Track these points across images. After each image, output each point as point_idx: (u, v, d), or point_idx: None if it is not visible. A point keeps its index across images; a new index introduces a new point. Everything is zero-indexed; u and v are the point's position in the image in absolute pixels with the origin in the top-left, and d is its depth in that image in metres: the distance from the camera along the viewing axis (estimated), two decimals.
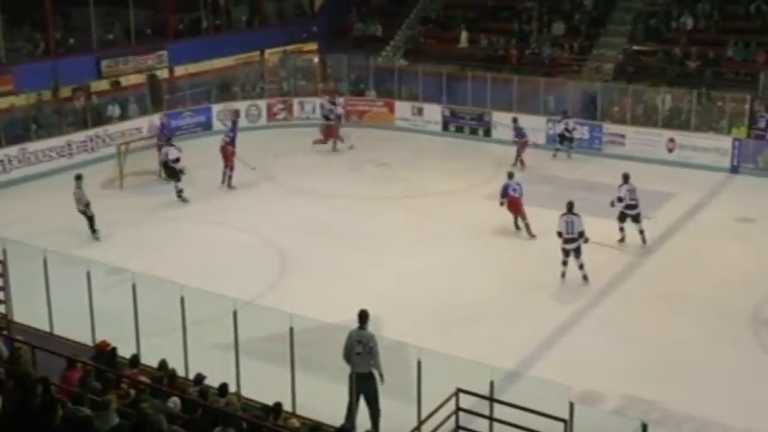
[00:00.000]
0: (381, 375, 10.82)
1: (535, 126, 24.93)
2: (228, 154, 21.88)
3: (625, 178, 17.80)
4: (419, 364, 10.12)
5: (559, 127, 24.15)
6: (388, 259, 17.13)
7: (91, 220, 18.23)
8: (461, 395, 9.83)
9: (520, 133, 23.26)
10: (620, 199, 17.42)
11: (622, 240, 17.72)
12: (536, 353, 13.33)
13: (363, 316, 11.02)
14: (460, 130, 26.71)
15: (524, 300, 15.25)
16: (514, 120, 23.63)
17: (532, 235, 18.20)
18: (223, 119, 26.23)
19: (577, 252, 15.99)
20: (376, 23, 31.72)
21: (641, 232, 17.54)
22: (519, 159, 23.00)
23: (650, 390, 12.22)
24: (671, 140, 23.12)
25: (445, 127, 26.83)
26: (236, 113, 26.05)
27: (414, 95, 27.55)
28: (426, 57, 29.14)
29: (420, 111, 27.18)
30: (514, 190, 18.49)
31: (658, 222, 18.87)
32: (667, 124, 23.89)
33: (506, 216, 19.55)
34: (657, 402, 11.95)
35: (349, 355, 10.85)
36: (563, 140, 24.13)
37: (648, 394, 12.11)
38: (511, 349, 13.15)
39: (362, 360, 10.79)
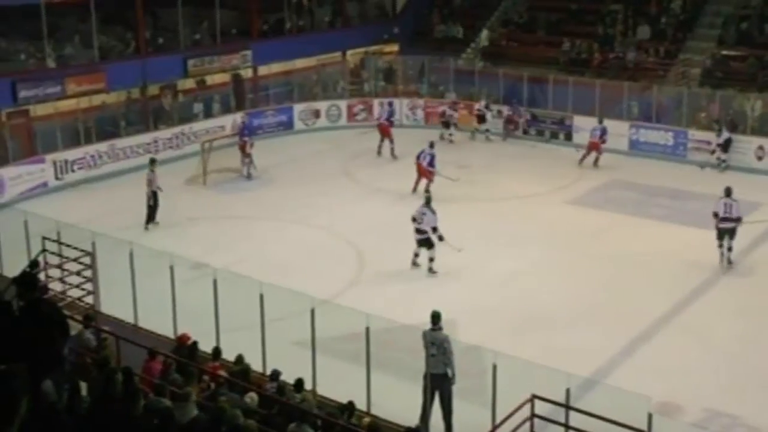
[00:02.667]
0: (454, 375, 10.83)
1: (618, 131, 24.52)
2: (386, 129, 24.07)
3: (727, 192, 16.88)
4: (494, 368, 10.07)
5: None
6: (465, 261, 17.03)
7: (151, 209, 18.79)
8: (536, 402, 9.75)
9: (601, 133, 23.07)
10: (715, 214, 16.71)
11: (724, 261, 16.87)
12: (615, 361, 13.11)
13: (435, 317, 11.03)
14: (540, 133, 26.44)
15: (603, 306, 14.99)
16: (600, 121, 23.52)
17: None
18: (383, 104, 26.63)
19: (732, 233, 16.28)
20: (457, 25, 31.63)
21: (729, 249, 16.82)
22: (589, 158, 22.88)
23: (733, 404, 11.89)
24: (760, 148, 22.42)
25: (526, 130, 26.58)
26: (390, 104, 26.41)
27: (495, 98, 27.36)
28: (507, 59, 28.93)
29: (500, 113, 26.97)
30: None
31: (745, 232, 18.36)
32: (757, 132, 23.16)
33: (587, 221, 19.33)
34: (739, 417, 11.62)
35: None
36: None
37: (730, 408, 11.78)
38: (588, 356, 12.96)
39: (437, 361, 10.80)
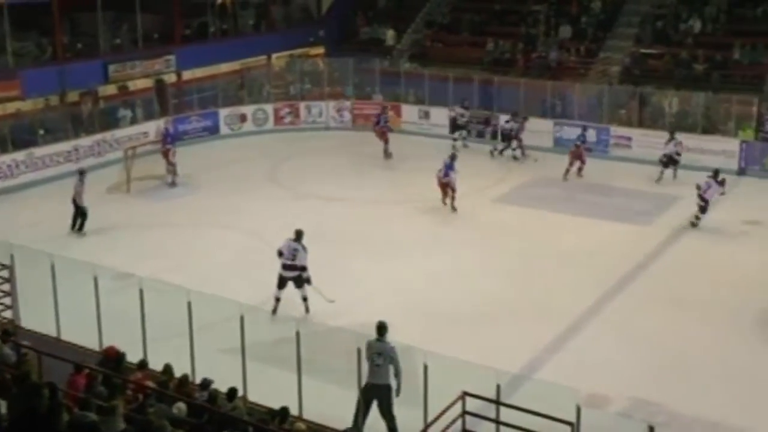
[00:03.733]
0: (399, 385, 10.60)
1: (543, 129, 24.99)
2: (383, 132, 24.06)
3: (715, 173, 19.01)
4: (425, 367, 10.11)
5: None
6: (394, 263, 17.11)
7: (80, 217, 18.53)
8: (468, 399, 9.83)
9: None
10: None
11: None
12: (543, 356, 13.29)
13: (381, 328, 10.80)
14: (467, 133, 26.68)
15: (531, 302, 15.22)
16: (584, 128, 23.41)
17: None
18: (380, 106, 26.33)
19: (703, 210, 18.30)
20: (383, 27, 31.74)
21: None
22: (573, 168, 22.62)
23: (657, 392, 12.18)
24: (679, 143, 23.01)
25: (452, 130, 26.79)
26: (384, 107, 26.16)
27: (421, 99, 27.54)
28: (432, 60, 29.15)
29: (427, 114, 27.17)
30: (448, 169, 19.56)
31: (661, 227, 18.90)
32: (675, 127, 23.79)
33: (514, 218, 19.59)
34: (664, 404, 11.90)
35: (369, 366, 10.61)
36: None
37: (655, 397, 12.06)
38: (517, 352, 13.12)
39: (382, 371, 10.62)
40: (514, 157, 24.36)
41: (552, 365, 12.95)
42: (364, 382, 10.70)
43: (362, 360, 10.63)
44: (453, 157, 20.34)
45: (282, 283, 14.62)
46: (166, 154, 22.29)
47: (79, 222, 18.68)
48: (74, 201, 18.73)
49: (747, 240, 18.19)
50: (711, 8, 27.12)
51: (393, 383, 10.67)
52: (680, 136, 22.71)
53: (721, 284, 15.84)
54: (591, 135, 23.89)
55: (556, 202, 20.69)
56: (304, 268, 14.59)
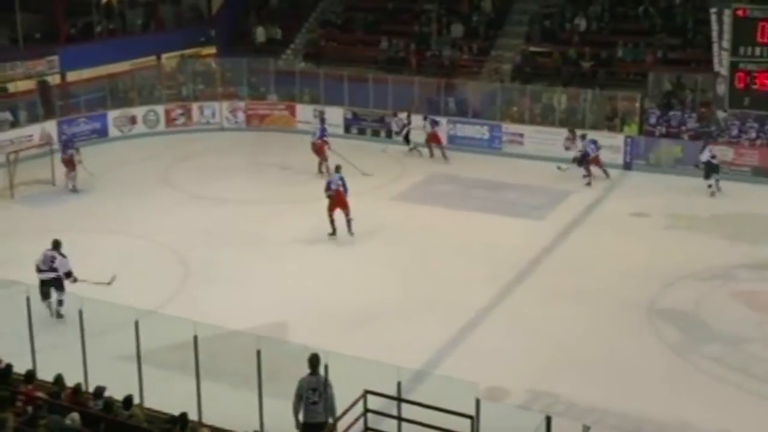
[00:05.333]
0: (334, 425, 9.94)
1: (439, 127, 25.28)
2: (321, 148, 22.61)
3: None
4: (326, 367, 10.07)
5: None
6: (290, 263, 17.02)
7: None
8: (369, 397, 9.84)
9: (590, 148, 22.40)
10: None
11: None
12: (442, 352, 13.45)
13: (314, 361, 10.02)
14: (362, 132, 26.77)
15: (429, 298, 15.36)
16: (583, 136, 22.74)
17: (351, 233, 18.08)
18: (315, 119, 25.27)
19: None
20: (275, 26, 31.49)
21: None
22: (604, 171, 22.45)
23: (553, 383, 12.51)
24: (567, 138, 23.69)
25: (347, 129, 26.84)
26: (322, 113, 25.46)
27: (315, 98, 27.46)
28: (326, 60, 29.12)
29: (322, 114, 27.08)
30: (337, 184, 18.11)
31: (554, 221, 19.44)
32: (564, 123, 24.48)
33: (412, 216, 19.77)
34: (560, 395, 12.23)
35: (298, 405, 10.01)
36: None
37: (551, 388, 12.39)
38: (417, 349, 13.23)
39: (318, 408, 9.98)
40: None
41: (451, 360, 13.13)
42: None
43: (263, 362, 10.48)
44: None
45: (45, 293, 14.27)
46: (68, 162, 21.47)
47: None
48: None
49: (634, 232, 18.86)
50: (595, 7, 28.01)
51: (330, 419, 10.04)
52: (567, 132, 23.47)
53: (611, 276, 16.35)
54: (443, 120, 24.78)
55: (452, 199, 20.98)
56: (69, 274, 14.42)
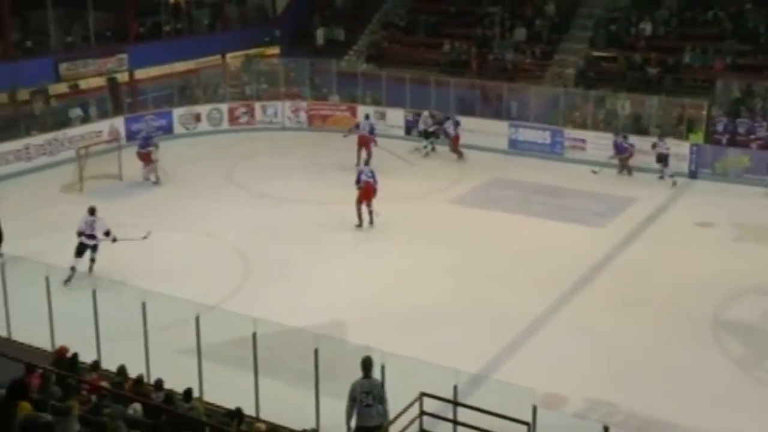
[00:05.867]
0: (389, 425, 9.86)
1: (498, 131, 25.17)
2: (368, 143, 23.29)
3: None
4: (383, 368, 10.10)
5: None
6: (350, 263, 17.12)
7: None
8: (425, 399, 9.85)
9: (621, 147, 22.85)
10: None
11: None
12: (500, 357, 13.37)
13: (367, 364, 9.88)
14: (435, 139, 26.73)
15: (486, 304, 15.27)
16: (617, 134, 23.20)
17: (371, 222, 18.79)
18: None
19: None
20: (339, 27, 31.70)
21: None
22: (626, 168, 22.81)
23: (612, 393, 12.33)
24: (631, 145, 23.35)
25: (408, 131, 26.87)
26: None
27: (377, 100, 27.55)
28: (389, 62, 29.19)
29: (383, 115, 27.17)
30: (368, 176, 18.88)
31: (616, 229, 19.18)
32: (629, 130, 24.11)
33: (471, 220, 19.69)
34: (619, 405, 12.06)
35: (351, 408, 9.89)
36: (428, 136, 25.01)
37: (610, 397, 12.22)
38: (475, 353, 13.18)
39: (373, 411, 9.86)
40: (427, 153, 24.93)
41: (509, 366, 13.04)
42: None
43: (320, 361, 10.57)
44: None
45: (81, 251, 15.90)
46: (146, 157, 22.01)
47: None
48: None
49: (699, 242, 18.50)
50: (663, 11, 27.57)
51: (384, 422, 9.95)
52: (631, 139, 23.15)
53: (674, 285, 16.07)
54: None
55: (511, 204, 20.84)
56: (108, 233, 16.19)
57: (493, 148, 24.93)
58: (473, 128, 25.50)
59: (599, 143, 24.13)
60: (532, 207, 20.59)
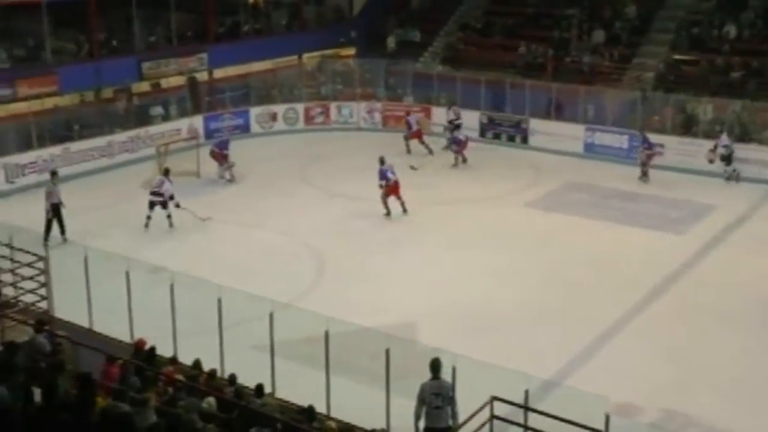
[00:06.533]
0: (459, 427, 9.77)
1: (574, 134, 24.85)
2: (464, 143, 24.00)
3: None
4: (454, 370, 10.08)
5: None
6: (423, 264, 17.11)
7: (49, 223, 17.75)
8: (496, 403, 9.78)
9: (648, 144, 22.71)
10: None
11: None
12: (572, 363, 13.20)
13: (436, 366, 9.90)
14: (497, 137, 26.61)
15: (561, 308, 15.12)
16: (641, 130, 23.26)
17: (405, 210, 19.67)
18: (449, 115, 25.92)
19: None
20: (414, 29, 31.73)
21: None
22: (644, 170, 22.56)
23: (688, 404, 12.06)
24: (712, 151, 22.80)
25: (483, 133, 26.73)
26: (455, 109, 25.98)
27: (452, 101, 27.46)
28: (464, 63, 29.09)
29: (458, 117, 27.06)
30: (393, 173, 19.66)
31: (695, 236, 18.73)
32: (709, 135, 23.55)
33: (544, 223, 19.51)
34: (695, 416, 11.79)
35: (420, 410, 9.90)
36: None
37: (686, 408, 11.96)
38: (547, 358, 13.07)
39: (441, 413, 9.87)
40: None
41: (582, 372, 12.85)
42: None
43: (392, 361, 10.61)
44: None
45: (150, 206, 18.68)
46: (223, 157, 22.53)
47: (45, 226, 17.77)
48: (54, 205, 17.94)
49: None
50: (748, 14, 26.80)
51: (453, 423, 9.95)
52: (713, 144, 22.61)
53: (754, 296, 15.63)
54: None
55: (587, 208, 20.54)
56: (172, 197, 18.61)
57: (568, 151, 24.65)
58: (548, 131, 25.27)
59: (679, 148, 23.60)
60: (608, 212, 20.26)
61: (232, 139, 24.01)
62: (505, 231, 18.90)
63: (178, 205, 18.50)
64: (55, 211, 17.93)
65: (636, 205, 20.81)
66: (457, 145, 23.90)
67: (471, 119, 26.67)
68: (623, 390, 11.82)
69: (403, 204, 19.66)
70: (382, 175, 19.68)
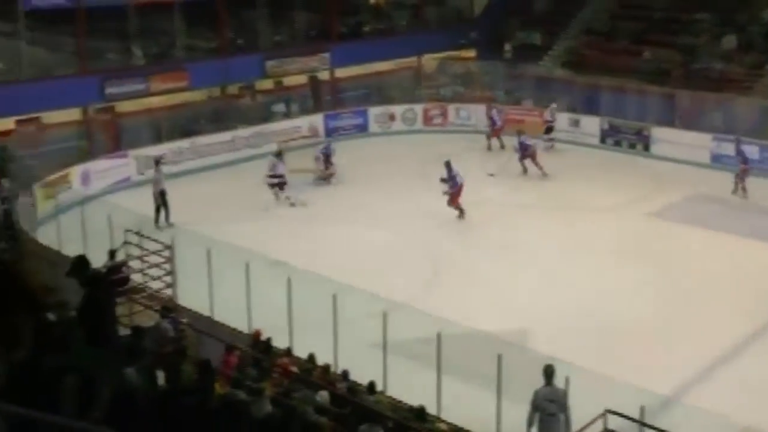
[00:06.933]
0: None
1: (701, 144, 24.00)
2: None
3: None
4: (567, 380, 9.94)
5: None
6: (539, 271, 16.84)
7: (158, 209, 18.91)
8: (609, 416, 9.58)
9: (743, 158, 21.92)
10: None
11: None
12: (693, 381, 12.72)
13: (549, 372, 9.88)
14: (618, 144, 26.00)
15: (682, 324, 14.58)
16: (738, 141, 22.62)
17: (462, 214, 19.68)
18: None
19: None
20: (536, 32, 31.35)
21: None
22: (740, 186, 21.63)
23: None
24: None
25: (603, 140, 26.18)
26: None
27: (571, 106, 27.04)
28: (586, 68, 28.54)
29: (577, 123, 26.65)
30: (462, 177, 19.78)
31: None
32: None
33: (666, 234, 18.91)
34: None
35: (533, 416, 9.91)
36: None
37: None
38: (665, 374, 12.63)
39: (556, 421, 9.86)
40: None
41: (703, 391, 12.37)
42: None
43: (504, 366, 10.54)
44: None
45: (271, 187, 20.32)
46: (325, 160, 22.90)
47: (155, 212, 18.91)
48: (161, 192, 19.11)
49: None
50: None
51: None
52: None
53: None
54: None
55: (715, 221, 19.71)
56: (281, 176, 20.25)
57: (693, 161, 23.78)
58: (672, 140, 24.49)
59: None
60: (738, 226, 19.29)
61: (348, 137, 24.36)
62: (625, 241, 18.41)
63: (283, 184, 20.15)
64: (161, 197, 19.07)
65: (765, 219, 19.89)
66: (523, 151, 23.31)
67: (591, 125, 26.19)
68: (748, 411, 11.33)
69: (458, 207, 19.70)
70: (453, 182, 19.68)
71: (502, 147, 24.94)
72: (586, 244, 18.24)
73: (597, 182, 22.65)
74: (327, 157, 22.92)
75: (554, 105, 25.89)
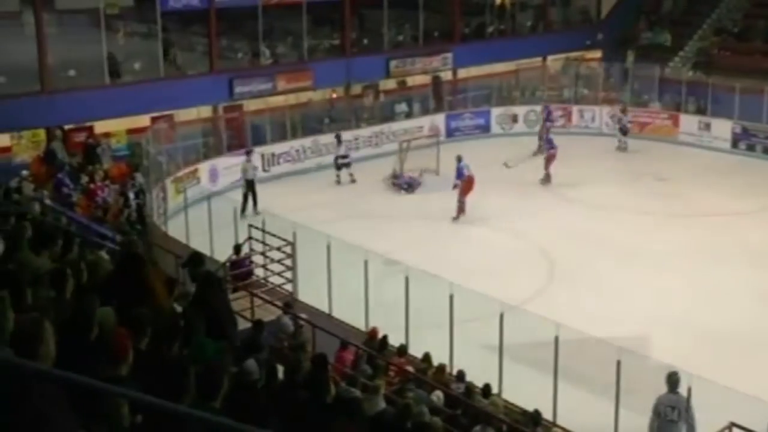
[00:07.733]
0: None
1: None
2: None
3: None
4: (689, 391, 9.65)
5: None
6: (660, 277, 16.38)
7: (245, 197, 19.67)
8: (735, 430, 9.26)
9: None
10: None
11: None
12: None
13: (673, 380, 9.84)
14: (751, 148, 24.93)
15: None
16: None
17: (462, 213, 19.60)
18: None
19: None
20: (665, 32, 30.39)
21: None
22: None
23: None
24: None
25: (735, 144, 25.15)
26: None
27: (702, 109, 26.09)
28: (718, 69, 27.46)
29: (707, 126, 25.69)
30: (469, 170, 19.73)
31: None
32: None
33: None
34: None
35: (654, 423, 9.82)
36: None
37: None
38: None
39: (677, 427, 9.77)
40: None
41: None
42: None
43: (622, 374, 10.32)
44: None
45: (339, 168, 22.21)
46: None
47: (242, 200, 19.65)
48: (249, 181, 20.00)
49: None
50: None
51: None
52: None
53: None
54: None
55: None
56: (345, 156, 22.27)
57: None
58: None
59: None
60: None
61: (470, 138, 24.27)
62: (755, 249, 17.66)
63: (342, 166, 22.25)
64: (249, 186, 19.95)
65: None
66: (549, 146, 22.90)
67: (723, 129, 25.22)
68: None
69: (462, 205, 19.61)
70: (459, 173, 19.75)
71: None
72: (712, 250, 17.62)
73: (726, 188, 21.79)
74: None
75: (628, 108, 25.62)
